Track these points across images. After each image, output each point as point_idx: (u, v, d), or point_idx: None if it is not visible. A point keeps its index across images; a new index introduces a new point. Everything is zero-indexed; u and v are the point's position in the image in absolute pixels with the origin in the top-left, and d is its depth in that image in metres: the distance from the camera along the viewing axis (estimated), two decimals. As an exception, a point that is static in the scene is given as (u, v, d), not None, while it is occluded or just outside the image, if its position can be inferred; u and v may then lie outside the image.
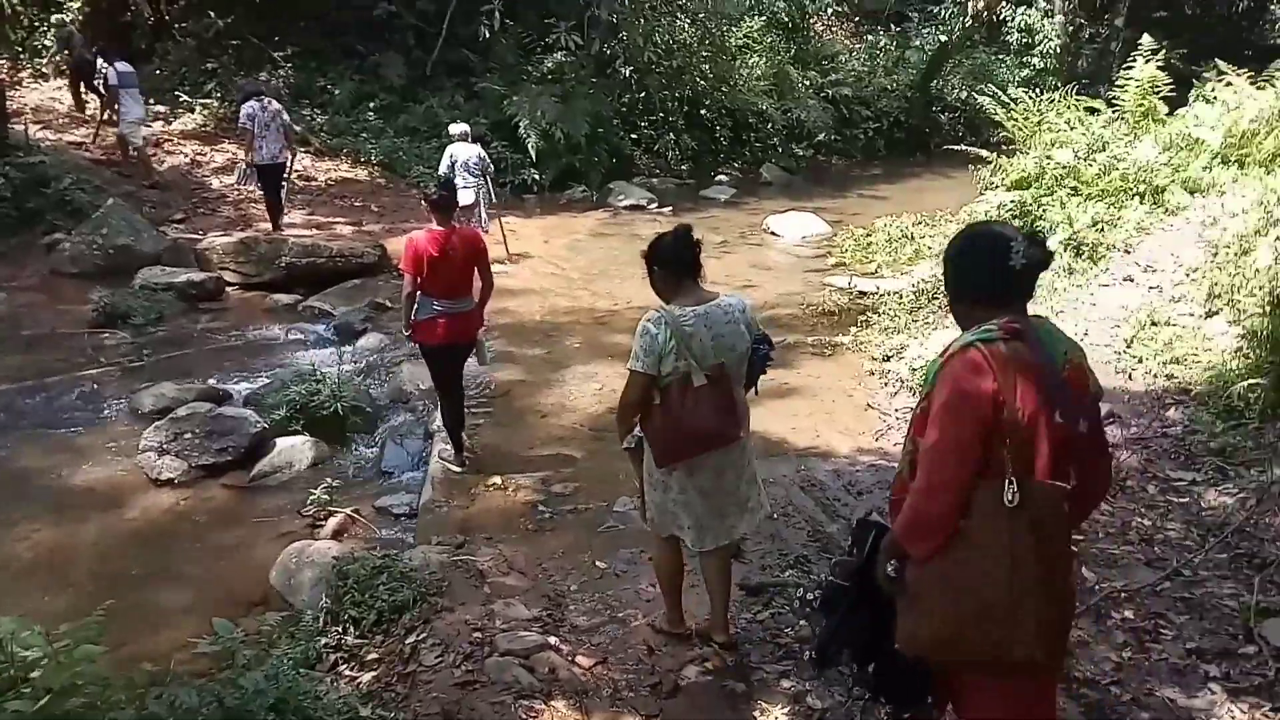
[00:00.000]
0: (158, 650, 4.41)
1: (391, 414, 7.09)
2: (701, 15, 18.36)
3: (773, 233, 13.27)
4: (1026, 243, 2.20)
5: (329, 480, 5.76)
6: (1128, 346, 7.60)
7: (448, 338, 5.65)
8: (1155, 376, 7.01)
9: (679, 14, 18.54)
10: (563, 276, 11.27)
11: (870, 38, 24.09)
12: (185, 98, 16.28)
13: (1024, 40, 23.41)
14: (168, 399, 7.00)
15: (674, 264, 3.53)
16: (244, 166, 11.49)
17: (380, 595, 4.17)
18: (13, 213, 11.30)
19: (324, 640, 4.02)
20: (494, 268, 6.12)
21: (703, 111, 18.52)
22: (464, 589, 4.41)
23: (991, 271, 2.21)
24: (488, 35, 16.29)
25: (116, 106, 13.07)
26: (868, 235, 12.48)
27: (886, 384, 7.34)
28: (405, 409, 7.13)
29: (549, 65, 16.85)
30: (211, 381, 7.60)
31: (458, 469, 5.93)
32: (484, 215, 11.70)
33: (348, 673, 3.86)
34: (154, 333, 8.91)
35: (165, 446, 6.17)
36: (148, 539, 5.50)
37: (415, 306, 5.63)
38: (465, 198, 11.41)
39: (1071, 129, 12.90)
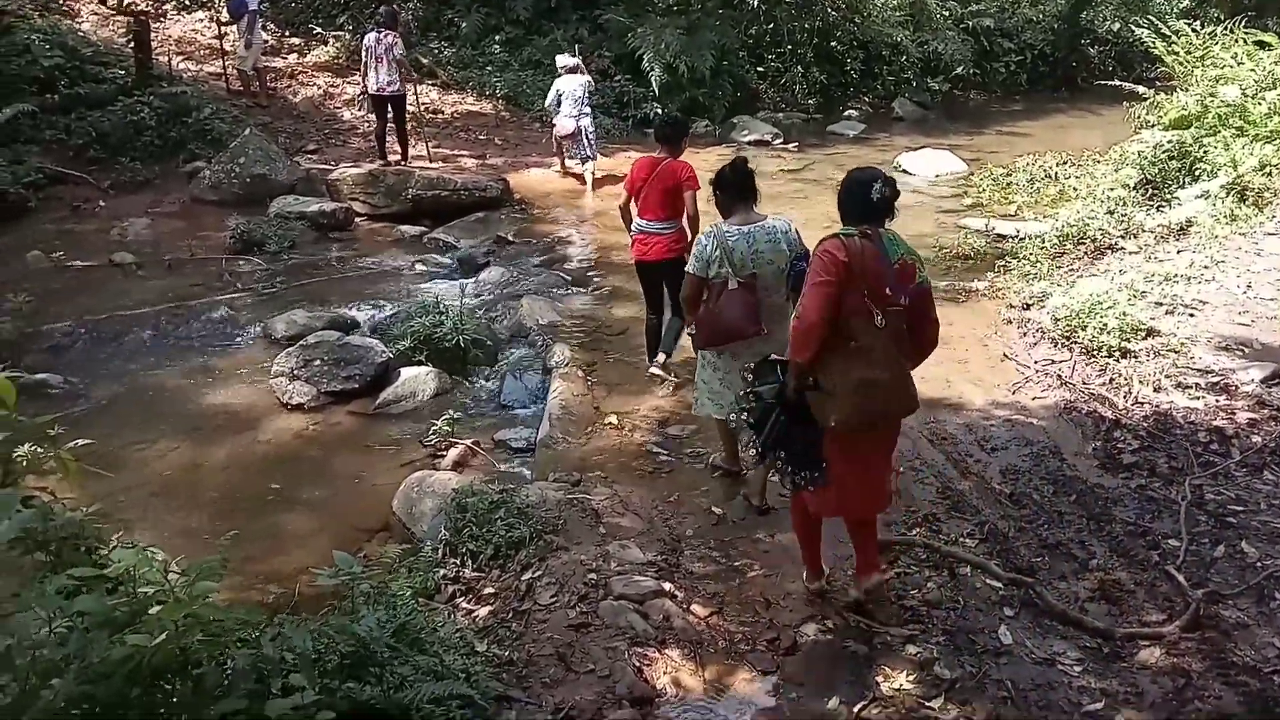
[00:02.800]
0: (285, 571, 4.57)
1: (512, 348, 7.11)
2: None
3: (905, 170, 12.66)
4: (882, 183, 3.43)
5: (449, 412, 5.81)
6: (1300, 302, 6.95)
7: (640, 254, 6.05)
8: (1331, 336, 6.40)
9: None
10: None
11: (1015, -36, 22.55)
12: (319, 30, 16.55)
13: (1186, -32, 21.53)
14: (299, 325, 7.18)
15: (730, 189, 4.48)
16: (360, 94, 11.66)
17: (498, 530, 4.17)
18: (156, 141, 11.74)
19: (442, 572, 4.05)
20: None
21: (833, 43, 17.74)
22: (579, 528, 4.38)
23: (860, 201, 3.41)
24: (611, -35, 15.92)
25: (249, 36, 13.32)
26: (1007, 175, 11.76)
27: (1025, 333, 6.91)
28: (525, 343, 7.13)
29: (673, -4, 16.39)
30: (341, 310, 7.76)
31: (658, 370, 6.05)
32: (589, 144, 11.60)
33: (465, 605, 3.89)
34: (287, 260, 9.17)
35: (296, 372, 6.34)
36: (277, 462, 5.67)
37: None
38: (565, 126, 11.33)
39: (1239, 64, 11.83)
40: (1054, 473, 4.91)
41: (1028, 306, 7.37)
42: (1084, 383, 5.94)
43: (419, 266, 9.03)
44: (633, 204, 6.02)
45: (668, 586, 3.87)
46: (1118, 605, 3.71)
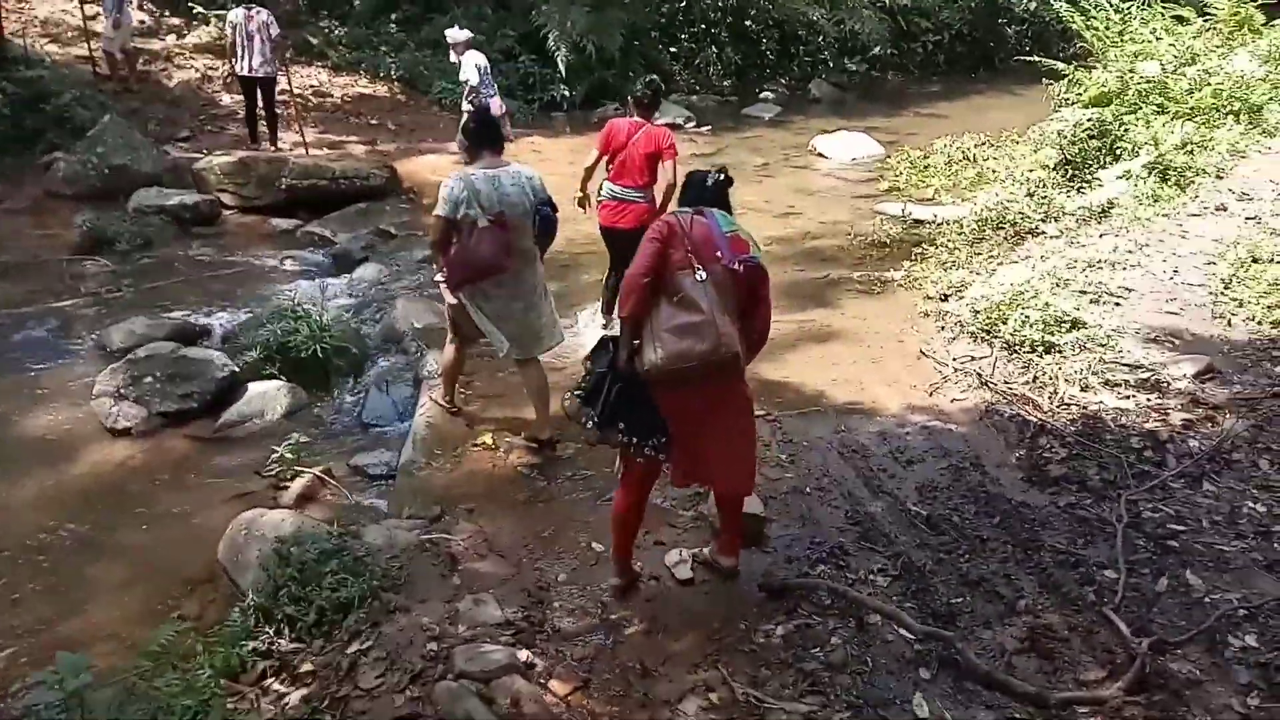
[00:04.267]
0: (81, 637, 3.81)
1: (382, 356, 6.34)
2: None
3: (820, 154, 12.16)
4: (719, 171, 3.56)
5: (295, 436, 5.02)
6: (1225, 288, 6.59)
7: (611, 221, 5.98)
8: (1260, 323, 6.03)
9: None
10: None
11: (932, -58, 22.27)
12: (199, 9, 15.39)
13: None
14: (138, 335, 6.32)
15: (474, 138, 4.66)
16: (227, 75, 10.73)
17: (326, 587, 3.44)
18: (10, 130, 10.64)
19: (252, 644, 3.31)
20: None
21: (748, 23, 17.22)
22: (428, 580, 3.69)
23: (696, 188, 3.52)
24: (515, -63, 15.09)
25: (116, 15, 12.19)
26: (925, 157, 11.33)
27: (944, 327, 6.41)
28: (398, 350, 6.37)
29: (581, -30, 15.63)
30: (191, 315, 6.91)
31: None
32: (508, 125, 10.80)
33: (277, 688, 3.17)
34: (140, 260, 8.24)
35: (123, 391, 5.50)
36: (93, 498, 4.84)
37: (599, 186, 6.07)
38: (497, 106, 10.49)
39: (1158, 40, 11.59)
40: (975, 489, 4.37)
41: (945, 298, 6.88)
42: (1006, 382, 5.44)
43: (288, 264, 8.18)
44: (603, 167, 5.97)
45: (524, 656, 3.20)
46: (1050, 659, 3.16)
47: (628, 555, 3.65)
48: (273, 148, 10.86)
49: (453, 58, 10.69)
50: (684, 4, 16.67)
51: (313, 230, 8.95)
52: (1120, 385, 5.22)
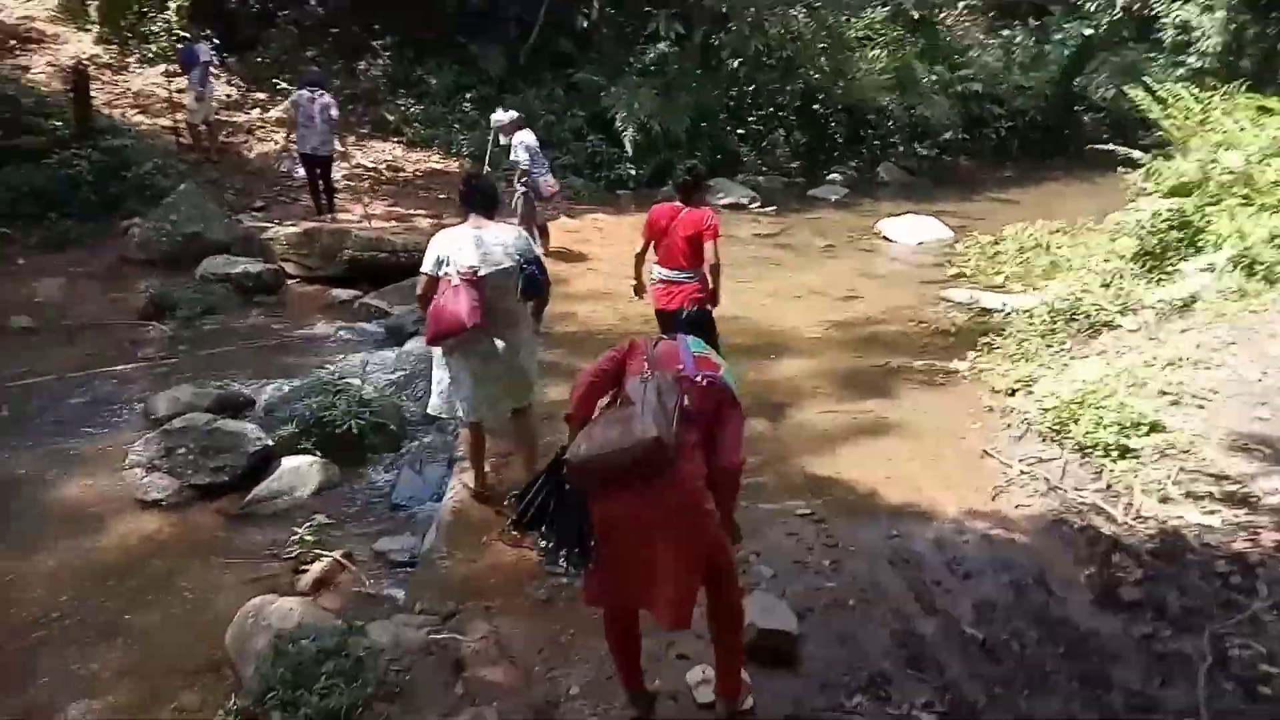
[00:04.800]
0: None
1: (421, 433, 6.19)
2: (818, 4, 17.00)
3: (885, 237, 11.90)
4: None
5: (318, 517, 4.85)
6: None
7: (664, 304, 6.02)
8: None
9: (792, 3, 17.26)
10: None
11: (1005, 33, 22.14)
12: (284, 85, 15.96)
13: (1179, 38, 21.04)
14: (182, 403, 6.29)
15: (465, 199, 4.73)
16: (282, 151, 11.41)
17: (316, 692, 3.21)
18: (92, 197, 11.05)
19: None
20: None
21: (816, 107, 17.21)
22: (430, 688, 3.43)
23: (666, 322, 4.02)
24: (586, 25, 15.39)
25: (200, 89, 12.67)
26: (995, 243, 10.98)
27: (1009, 425, 6.02)
28: (436, 429, 6.21)
29: (650, 56, 15.86)
30: (239, 385, 6.87)
31: None
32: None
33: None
34: (199, 326, 8.32)
35: (155, 462, 5.43)
36: (111, 574, 4.71)
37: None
38: (550, 185, 10.50)
39: (1241, 130, 11.12)
40: (1039, 611, 3.97)
41: (1013, 393, 6.50)
42: (1076, 489, 5.03)
43: (343, 335, 8.17)
44: (650, 252, 6.07)
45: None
46: (1119, 828, 2.75)
47: (634, 684, 3.33)
48: (331, 218, 11.09)
49: (501, 140, 10.71)
50: (752, 88, 16.75)
51: (370, 302, 8.96)
52: (1204, 498, 4.77)
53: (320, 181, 11.19)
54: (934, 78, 18.58)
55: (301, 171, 11.49)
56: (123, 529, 5.13)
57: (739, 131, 16.72)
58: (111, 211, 11.01)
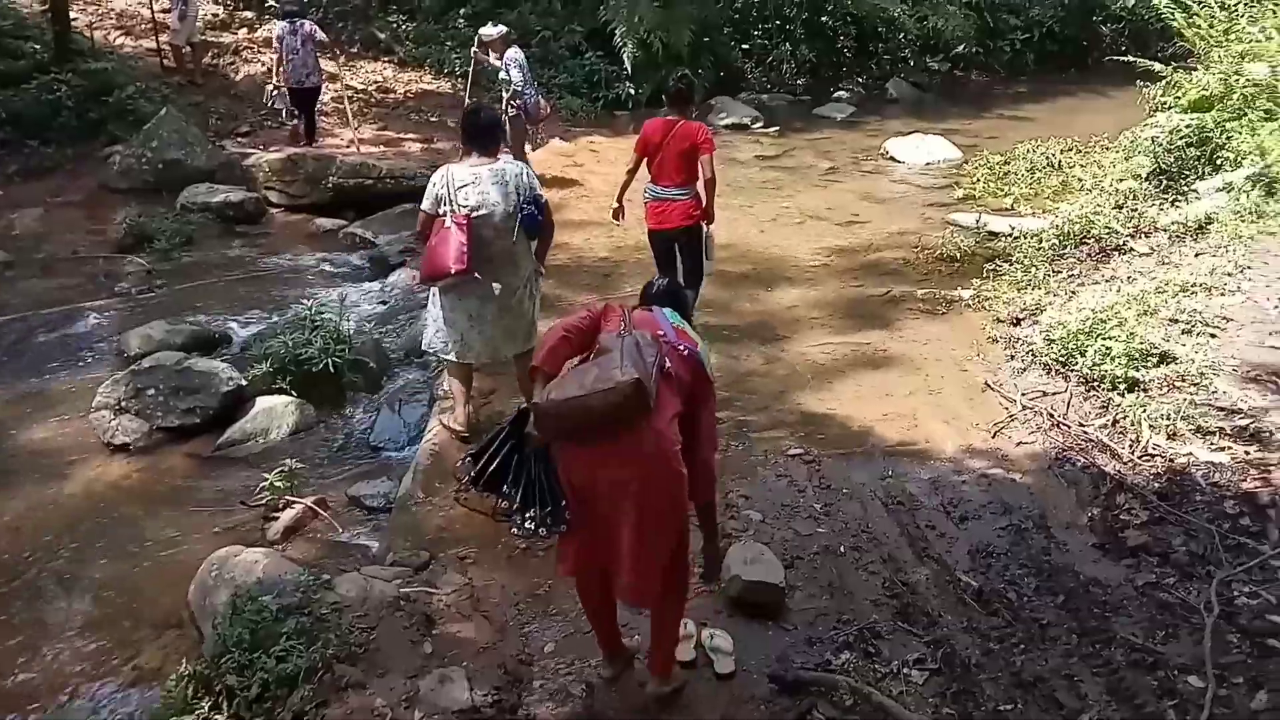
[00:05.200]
0: (29, 688, 3.52)
1: (402, 371, 5.98)
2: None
3: (892, 158, 11.46)
4: (664, 281, 3.34)
5: (289, 462, 4.66)
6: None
7: (657, 222, 5.81)
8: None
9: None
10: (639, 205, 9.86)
11: (1024, -65, 21.15)
12: (271, 3, 15.36)
13: (1205, -61, 20.13)
14: (156, 341, 6.10)
15: (466, 134, 4.50)
16: (272, 88, 10.87)
17: (274, 655, 3.05)
18: (73, 123, 10.73)
19: (187, 720, 2.94)
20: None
21: (824, 19, 16.48)
22: (397, 647, 3.26)
23: (646, 292, 3.22)
24: (586, -68, 14.70)
25: (182, 7, 12.15)
26: (1005, 163, 10.54)
27: (1013, 356, 5.78)
28: (417, 365, 6.00)
29: (651, -34, 15.16)
30: (216, 320, 6.66)
31: None
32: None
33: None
34: (179, 259, 8.06)
35: (124, 404, 5.24)
36: (78, 522, 4.57)
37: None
38: (546, 106, 10.07)
39: (1268, 39, 10.57)
40: (1038, 557, 3.78)
41: (1018, 322, 6.24)
42: (1081, 424, 4.81)
43: (325, 267, 7.91)
44: (643, 168, 5.82)
45: (484, 753, 2.76)
46: (1117, 797, 2.60)
47: (612, 645, 3.15)
48: (313, 143, 10.81)
49: (491, 58, 10.15)
50: (757, 0, 16.05)
51: (355, 231, 8.68)
52: (1214, 433, 4.55)
53: (311, 110, 10.93)
54: (947, -15, 17.79)
55: (295, 114, 10.97)
56: (90, 473, 4.98)
57: (743, 46, 16.08)
58: (93, 137, 10.69)
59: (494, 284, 4.47)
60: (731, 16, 16.07)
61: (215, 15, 14.91)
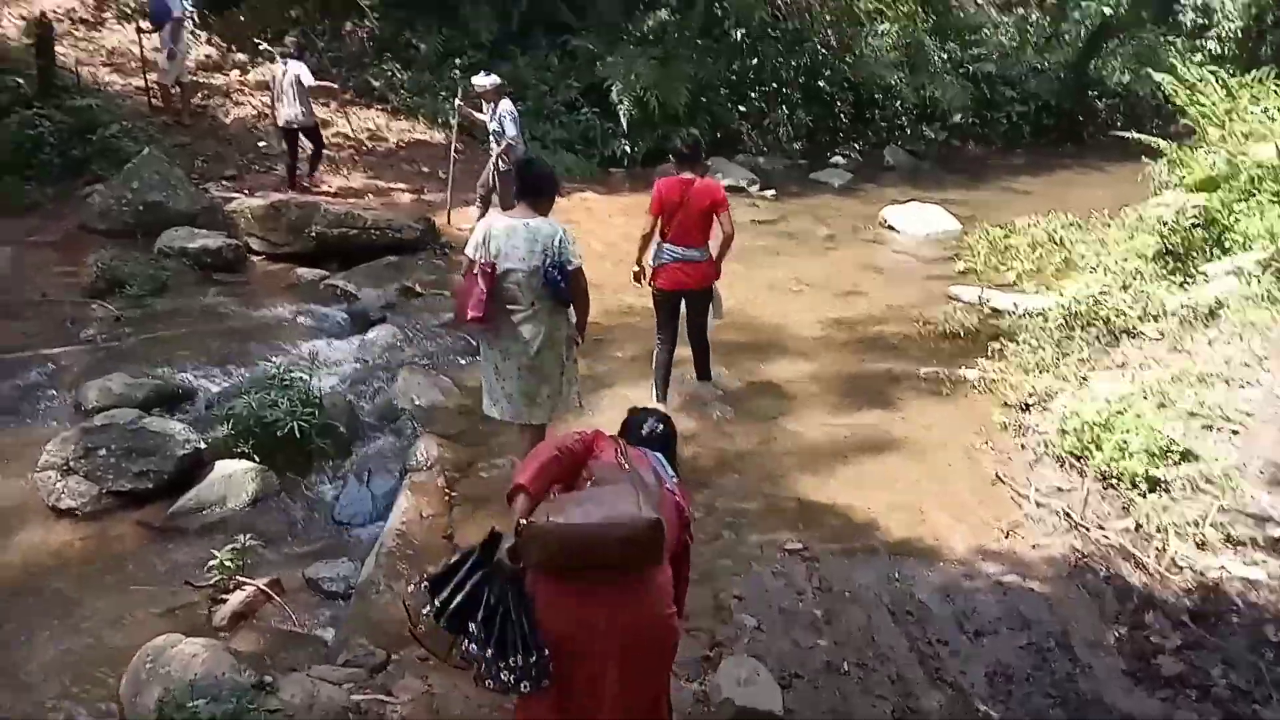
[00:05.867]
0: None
1: (373, 437, 5.61)
2: (828, -28, 16.26)
3: (890, 226, 11.27)
4: (657, 419, 2.95)
5: (242, 538, 4.26)
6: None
7: (677, 284, 5.73)
8: None
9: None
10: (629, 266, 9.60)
11: (1020, 10, 21.34)
12: (265, 46, 15.21)
13: (1199, 21, 20.33)
14: (115, 394, 5.71)
15: (517, 186, 4.57)
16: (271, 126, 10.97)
17: (198, 782, 2.65)
18: (55, 160, 10.44)
19: None
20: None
21: (822, 83, 16.43)
22: (342, 771, 2.87)
23: (634, 433, 2.88)
24: (585, -12, 14.65)
25: (171, 46, 11.95)
26: (1006, 237, 10.35)
27: (1024, 445, 5.48)
28: (391, 430, 5.64)
29: (650, 24, 15.11)
30: (181, 374, 6.29)
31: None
32: None
33: None
34: (149, 306, 7.69)
35: (72, 464, 4.85)
36: (11, 595, 4.16)
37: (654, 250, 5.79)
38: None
39: (1272, 120, 10.50)
40: (1064, 684, 3.43)
41: (1028, 408, 5.95)
42: (1101, 526, 4.50)
43: (301, 320, 7.55)
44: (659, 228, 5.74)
45: None
46: None
47: None
48: (310, 182, 10.86)
49: (477, 115, 10.01)
50: (755, 62, 15.98)
51: (336, 283, 8.34)
52: (1245, 544, 4.23)
53: (295, 153, 10.89)
54: (944, 56, 17.80)
55: (284, 146, 11.05)
56: (30, 540, 4.59)
57: (740, 108, 15.95)
58: (75, 175, 10.39)
59: (516, 340, 4.39)
60: (728, 78, 15.98)
61: (208, 57, 14.74)
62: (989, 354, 6.84)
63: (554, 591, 2.35)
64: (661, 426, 2.89)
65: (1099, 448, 5.01)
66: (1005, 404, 6.02)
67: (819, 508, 4.73)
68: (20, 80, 11.28)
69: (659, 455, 2.73)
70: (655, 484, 2.48)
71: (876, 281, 9.01)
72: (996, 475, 5.13)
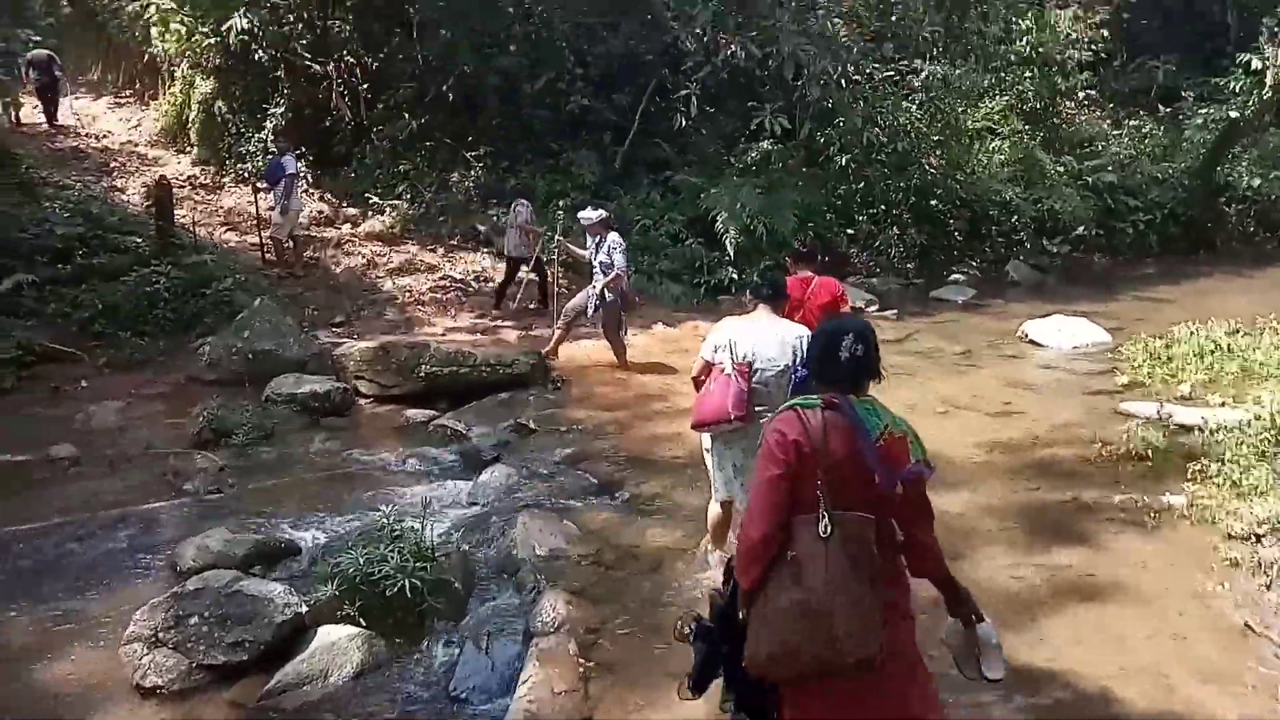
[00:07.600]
0: None
1: (491, 593, 4.95)
2: (932, 93, 15.93)
3: (1032, 341, 10.40)
4: (854, 338, 2.60)
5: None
6: None
7: None
8: None
9: (905, 95, 16.27)
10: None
11: (1132, 122, 20.62)
12: (375, 199, 15.60)
13: (1325, 121, 19.32)
14: (213, 553, 5.23)
15: (758, 291, 4.67)
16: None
17: None
18: (169, 315, 10.54)
19: None
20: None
21: (933, 202, 15.90)
22: None
23: (829, 358, 2.64)
24: (684, 124, 14.59)
25: (284, 202, 12.22)
26: (1167, 347, 9.38)
27: (1267, 584, 4.48)
28: (512, 585, 4.98)
29: (753, 155, 14.95)
30: (285, 527, 5.82)
31: None
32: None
33: None
34: (254, 455, 7.35)
35: (160, 635, 4.31)
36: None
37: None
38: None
39: None
40: None
41: (1257, 538, 4.96)
42: None
43: (411, 463, 7.07)
44: None
45: None
46: None
47: None
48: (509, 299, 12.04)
49: (577, 251, 9.85)
50: (862, 185, 15.62)
51: (446, 423, 7.90)
52: None
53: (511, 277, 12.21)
54: (1061, 168, 17.14)
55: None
56: (110, 727, 4.00)
57: (848, 231, 15.53)
58: (188, 330, 10.44)
59: (758, 438, 3.87)
60: (834, 202, 15.64)
61: (320, 212, 15.18)
62: (1190, 477, 5.87)
63: (797, 696, 2.49)
64: (863, 348, 2.61)
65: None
66: (1228, 535, 5.03)
67: (1036, 673, 3.83)
68: (139, 239, 11.64)
69: (856, 406, 2.53)
70: (862, 538, 2.40)
71: (1031, 399, 8.12)
72: (1246, 624, 4.16)
